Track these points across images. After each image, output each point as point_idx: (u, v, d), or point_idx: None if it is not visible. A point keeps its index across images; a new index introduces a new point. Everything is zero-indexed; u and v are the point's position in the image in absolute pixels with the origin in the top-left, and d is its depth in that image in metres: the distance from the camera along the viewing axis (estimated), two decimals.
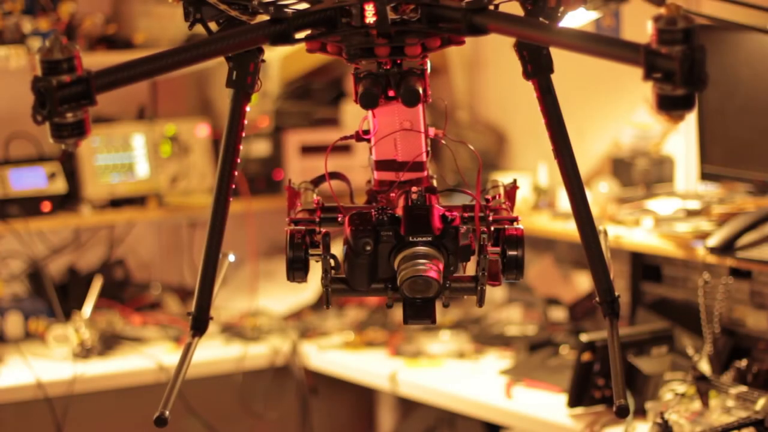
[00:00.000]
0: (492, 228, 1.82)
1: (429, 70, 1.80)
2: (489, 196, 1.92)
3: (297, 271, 1.82)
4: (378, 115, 1.86)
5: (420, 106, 1.84)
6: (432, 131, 1.93)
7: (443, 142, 1.97)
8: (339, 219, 1.87)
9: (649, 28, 1.43)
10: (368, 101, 1.73)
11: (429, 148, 1.92)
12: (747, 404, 2.84)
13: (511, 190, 1.96)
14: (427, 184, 1.93)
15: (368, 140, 1.90)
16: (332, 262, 1.78)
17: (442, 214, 1.78)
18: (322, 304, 4.00)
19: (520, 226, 1.83)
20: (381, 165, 1.92)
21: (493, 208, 1.87)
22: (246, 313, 4.21)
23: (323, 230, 1.84)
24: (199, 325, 1.89)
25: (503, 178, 2.04)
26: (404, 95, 1.73)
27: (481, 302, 1.81)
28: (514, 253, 1.80)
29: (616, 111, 4.02)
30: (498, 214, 1.86)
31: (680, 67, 1.39)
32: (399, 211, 1.79)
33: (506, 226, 1.82)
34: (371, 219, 1.79)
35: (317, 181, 2.05)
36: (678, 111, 1.42)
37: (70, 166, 4.13)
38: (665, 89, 1.41)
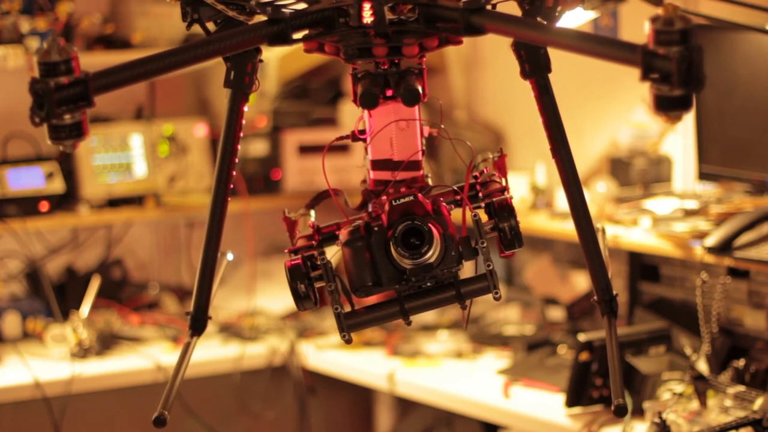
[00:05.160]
0: (483, 204, 1.81)
1: (426, 70, 1.80)
2: (477, 172, 1.91)
3: (305, 301, 1.82)
4: (374, 115, 1.85)
5: (416, 106, 1.84)
6: (427, 130, 1.93)
7: (444, 137, 1.96)
8: (338, 233, 1.87)
9: (647, 28, 1.43)
10: (368, 101, 1.73)
11: (425, 147, 1.92)
12: (745, 404, 2.84)
13: (499, 160, 1.93)
14: (422, 183, 1.93)
15: (364, 140, 1.90)
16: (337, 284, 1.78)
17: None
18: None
19: (509, 194, 1.81)
20: (377, 164, 1.91)
21: (482, 182, 1.87)
22: (244, 312, 4.21)
23: (323, 252, 1.83)
24: (198, 324, 1.89)
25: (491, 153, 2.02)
26: (404, 95, 1.73)
27: (496, 293, 1.76)
28: (506, 223, 1.79)
29: (613, 110, 4.02)
30: (488, 187, 1.86)
31: (677, 67, 1.39)
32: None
33: (494, 199, 1.80)
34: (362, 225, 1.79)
35: (311, 204, 2.04)
36: (675, 111, 1.42)
37: (68, 165, 4.13)
38: (663, 90, 1.41)
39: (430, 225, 1.72)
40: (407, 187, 1.90)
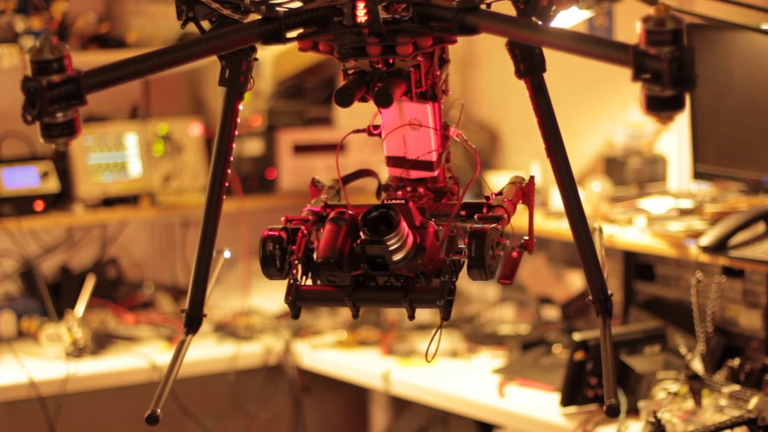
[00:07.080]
0: (470, 226, 1.79)
1: (441, 65, 1.79)
2: (491, 193, 1.89)
3: (270, 267, 1.82)
4: (385, 112, 1.85)
5: (428, 104, 1.83)
6: (453, 130, 1.92)
7: (456, 140, 1.95)
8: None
9: (638, 29, 1.43)
10: (342, 99, 1.72)
11: (448, 148, 1.91)
12: (739, 403, 2.84)
13: (528, 186, 1.93)
14: (442, 185, 1.92)
15: (379, 135, 1.89)
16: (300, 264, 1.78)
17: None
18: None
19: (494, 225, 1.76)
20: (391, 161, 1.91)
21: (491, 205, 1.86)
22: (239, 312, 4.20)
23: (311, 230, 1.83)
24: (193, 322, 1.89)
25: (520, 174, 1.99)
26: (376, 95, 1.72)
27: (446, 316, 1.76)
28: (471, 251, 1.72)
29: (608, 110, 4.03)
30: (493, 211, 1.84)
31: (669, 67, 1.39)
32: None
33: (474, 227, 1.76)
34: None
35: (347, 179, 2.01)
36: (667, 112, 1.43)
37: (62, 165, 4.13)
38: (654, 90, 1.41)
39: (402, 221, 1.71)
40: (425, 187, 1.89)
